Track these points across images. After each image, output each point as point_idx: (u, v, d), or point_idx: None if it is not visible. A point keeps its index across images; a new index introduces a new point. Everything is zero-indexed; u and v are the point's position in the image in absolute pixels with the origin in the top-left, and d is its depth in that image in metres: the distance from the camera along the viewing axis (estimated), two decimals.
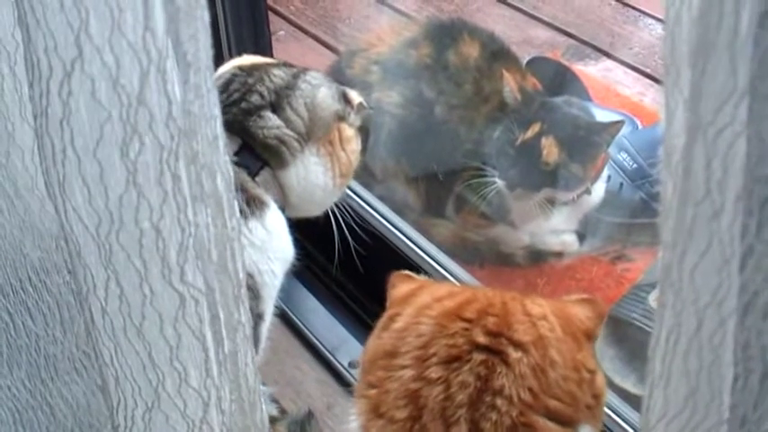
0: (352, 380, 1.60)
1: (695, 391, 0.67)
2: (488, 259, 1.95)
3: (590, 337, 1.01)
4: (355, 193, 1.77)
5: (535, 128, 1.77)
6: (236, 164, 1.28)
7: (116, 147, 0.66)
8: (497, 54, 1.93)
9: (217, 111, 0.75)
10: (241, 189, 1.27)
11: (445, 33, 1.95)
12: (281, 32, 2.65)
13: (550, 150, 1.76)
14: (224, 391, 0.81)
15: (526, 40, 2.52)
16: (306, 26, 2.70)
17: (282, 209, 1.35)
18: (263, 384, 1.37)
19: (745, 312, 0.61)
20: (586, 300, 1.06)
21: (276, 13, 2.71)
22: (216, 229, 0.75)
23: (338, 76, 1.92)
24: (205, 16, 0.69)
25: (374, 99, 1.89)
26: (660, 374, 0.70)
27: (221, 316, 0.78)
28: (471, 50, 1.91)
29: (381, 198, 1.86)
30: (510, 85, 1.81)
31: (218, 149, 0.76)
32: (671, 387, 0.69)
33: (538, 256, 1.94)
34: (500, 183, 1.81)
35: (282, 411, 1.48)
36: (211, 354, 0.78)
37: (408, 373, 0.96)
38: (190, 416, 0.80)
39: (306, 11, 2.77)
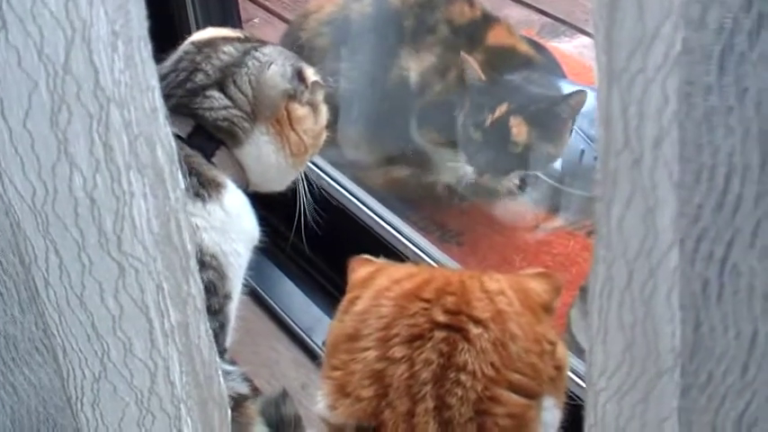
0: None
1: (631, 344, 0.68)
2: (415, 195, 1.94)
3: (548, 309, 1.02)
4: (326, 173, 1.78)
5: (502, 108, 1.74)
6: (190, 146, 1.28)
7: (45, 116, 0.66)
8: None
9: (154, 82, 0.75)
10: (196, 173, 1.26)
11: None
12: (256, 20, 2.65)
13: (519, 129, 1.73)
14: (172, 362, 0.81)
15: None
16: (280, 11, 2.69)
17: (245, 186, 1.35)
18: (235, 364, 1.37)
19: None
20: (543, 273, 1.07)
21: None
22: (156, 200, 0.76)
23: (292, 41, 1.90)
24: None
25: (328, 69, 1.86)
26: (598, 329, 0.70)
27: (165, 287, 0.78)
28: None
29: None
30: (472, 67, 1.76)
31: (158, 121, 0.76)
32: (608, 342, 0.70)
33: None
34: (468, 169, 1.78)
35: (255, 390, 1.48)
36: (156, 324, 0.78)
37: (372, 354, 0.97)
38: (137, 386, 0.80)
39: None
